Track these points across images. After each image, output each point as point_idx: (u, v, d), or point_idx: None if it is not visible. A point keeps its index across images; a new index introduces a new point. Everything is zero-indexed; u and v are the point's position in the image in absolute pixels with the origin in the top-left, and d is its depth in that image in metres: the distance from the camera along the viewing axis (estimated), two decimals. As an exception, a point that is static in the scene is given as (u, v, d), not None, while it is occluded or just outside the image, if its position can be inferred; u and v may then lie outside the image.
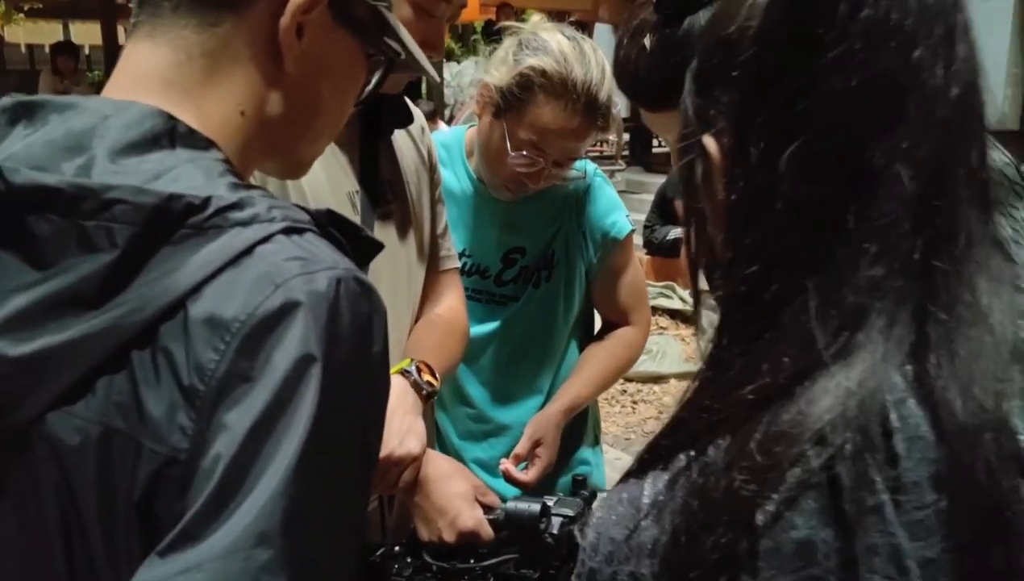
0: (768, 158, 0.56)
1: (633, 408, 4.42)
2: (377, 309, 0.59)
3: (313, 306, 0.54)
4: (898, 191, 0.53)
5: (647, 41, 0.87)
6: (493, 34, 1.66)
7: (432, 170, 1.37)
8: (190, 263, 0.55)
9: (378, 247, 0.68)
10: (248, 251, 0.56)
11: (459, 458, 1.57)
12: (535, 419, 1.44)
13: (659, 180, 7.28)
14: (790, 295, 0.55)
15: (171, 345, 0.54)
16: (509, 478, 1.38)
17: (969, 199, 0.55)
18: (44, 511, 0.56)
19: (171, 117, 0.61)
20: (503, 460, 1.40)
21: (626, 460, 1.75)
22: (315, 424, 0.53)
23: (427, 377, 1.15)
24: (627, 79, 0.97)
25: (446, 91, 8.05)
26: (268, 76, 0.66)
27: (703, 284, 0.71)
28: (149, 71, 0.64)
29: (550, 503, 1.09)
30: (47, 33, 14.84)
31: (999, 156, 1.02)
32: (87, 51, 14.22)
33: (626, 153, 9.39)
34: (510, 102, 1.38)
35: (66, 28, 15.63)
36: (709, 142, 0.61)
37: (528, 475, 1.38)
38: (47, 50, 11.10)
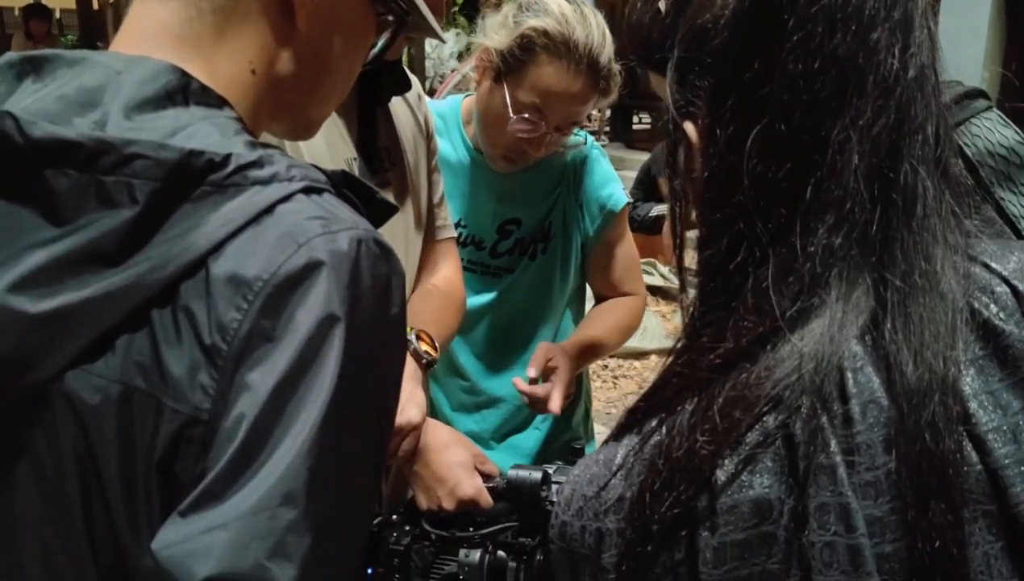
0: (736, 138, 0.59)
1: (615, 383, 4.45)
2: (395, 270, 0.59)
3: (336, 266, 0.54)
4: (854, 164, 0.56)
5: (661, 4, 0.87)
6: (474, 7, 1.65)
7: (429, 138, 1.36)
8: (211, 220, 0.54)
9: (391, 210, 0.67)
10: (269, 209, 0.55)
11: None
12: (544, 345, 1.44)
13: (640, 157, 7.28)
14: (753, 265, 0.58)
15: (192, 304, 0.53)
16: (533, 401, 1.36)
17: (927, 173, 0.58)
18: (63, 471, 0.55)
19: (185, 73, 0.60)
20: (517, 379, 1.38)
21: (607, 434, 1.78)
22: (338, 384, 0.53)
23: (426, 346, 1.15)
24: (640, 43, 0.97)
25: (426, 63, 7.98)
26: (279, 34, 0.65)
27: (687, 262, 0.74)
28: (159, 27, 0.63)
29: (550, 471, 1.09)
30: (17, -4, 14.48)
31: (1012, 134, 1.03)
32: (58, 15, 13.90)
33: (608, 129, 9.38)
34: (511, 64, 1.37)
35: (37, -9, 15.25)
36: (688, 126, 0.65)
37: (552, 403, 1.35)
38: (17, 13, 10.85)
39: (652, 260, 5.85)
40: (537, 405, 1.36)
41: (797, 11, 0.56)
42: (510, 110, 1.37)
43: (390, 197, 1.24)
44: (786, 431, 0.54)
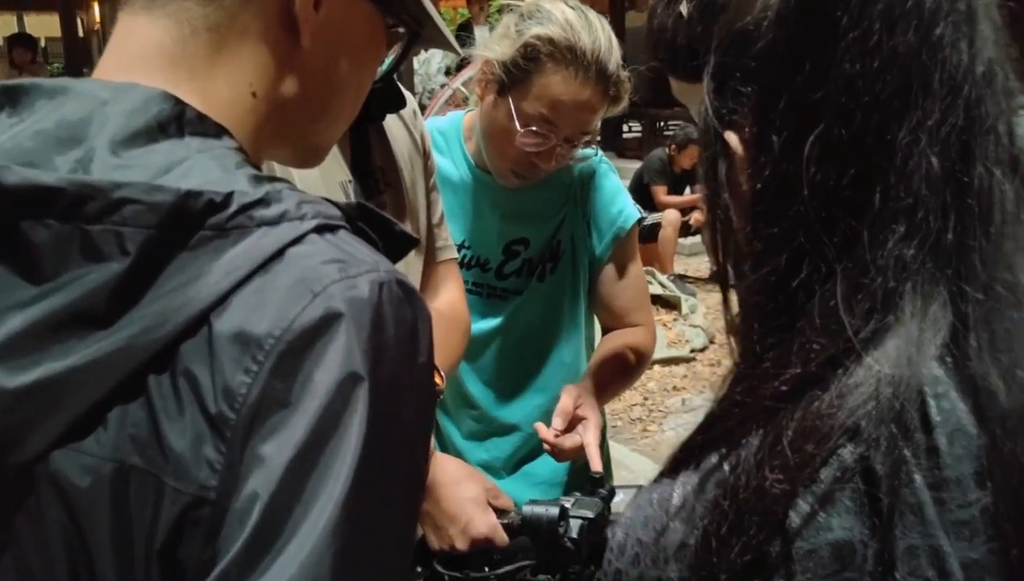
0: (791, 146, 0.55)
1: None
2: (421, 314, 0.53)
3: (356, 316, 0.48)
4: (924, 169, 0.52)
5: (683, 8, 0.83)
6: (466, 29, 1.59)
7: (426, 157, 1.30)
8: (213, 270, 0.48)
9: (412, 242, 0.62)
10: (279, 254, 0.49)
11: (464, 461, 1.50)
12: (569, 389, 1.34)
13: (631, 165, 7.25)
14: (819, 282, 0.54)
15: (194, 367, 0.47)
16: (555, 451, 1.26)
17: (1003, 175, 0.54)
18: (50, 562, 0.49)
19: (178, 101, 0.54)
20: (540, 425, 1.29)
21: (613, 448, 1.69)
22: (363, 454, 0.47)
23: None
24: (664, 49, 0.92)
25: (414, 80, 7.95)
26: (281, 52, 0.60)
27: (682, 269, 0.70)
28: (148, 49, 0.57)
29: (568, 504, 1.03)
30: (0, 26, 14.44)
31: None
32: (43, 43, 13.86)
33: (598, 138, 9.34)
34: (515, 76, 1.31)
35: (20, 20, 15.22)
36: (731, 137, 0.60)
37: (588, 437, 1.26)
38: (1, 42, 10.80)
39: (650, 269, 5.81)
40: (562, 455, 1.28)
41: (850, 9, 0.53)
42: (517, 124, 1.31)
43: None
44: (865, 465, 0.49)
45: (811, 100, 0.54)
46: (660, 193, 6.52)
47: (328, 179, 1.10)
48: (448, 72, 7.68)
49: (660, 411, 4.34)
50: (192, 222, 0.49)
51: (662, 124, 9.97)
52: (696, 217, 6.55)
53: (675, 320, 5.31)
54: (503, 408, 1.50)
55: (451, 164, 1.47)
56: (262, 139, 0.61)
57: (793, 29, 0.55)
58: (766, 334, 0.57)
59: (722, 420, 0.56)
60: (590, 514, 1.03)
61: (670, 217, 6.36)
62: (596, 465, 1.21)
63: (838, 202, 0.54)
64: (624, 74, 1.33)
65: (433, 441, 1.06)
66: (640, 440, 4.03)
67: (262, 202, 0.50)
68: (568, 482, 1.47)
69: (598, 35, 1.29)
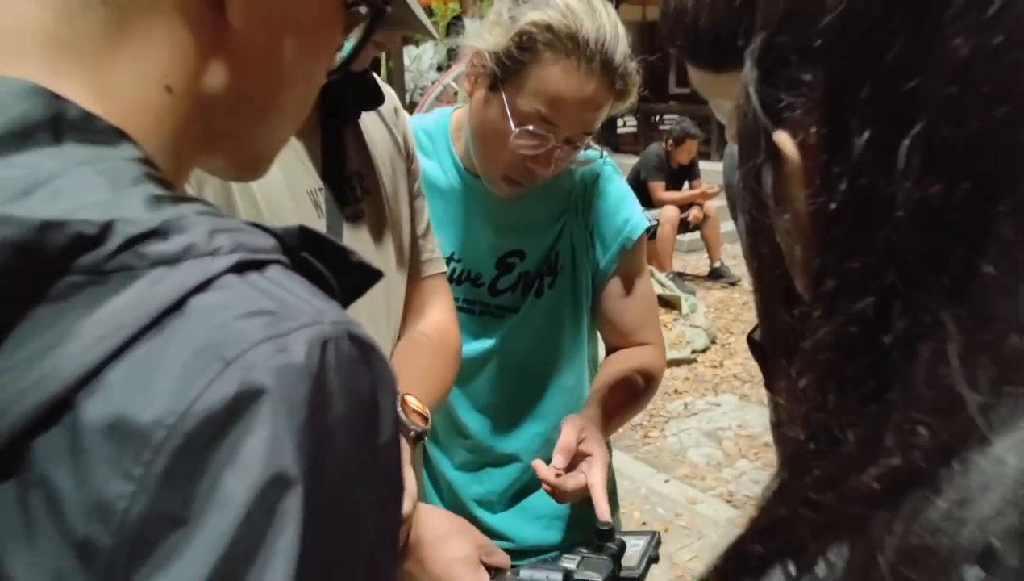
0: (878, 151, 0.41)
1: (616, 400, 4.26)
2: (382, 379, 0.40)
3: (286, 392, 0.34)
4: None
5: None
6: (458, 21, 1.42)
7: (409, 159, 1.16)
8: (82, 332, 0.34)
9: (375, 275, 0.48)
10: (178, 306, 0.36)
11: (455, 495, 1.35)
12: (570, 417, 1.18)
13: (626, 161, 7.11)
14: (922, 335, 0.40)
15: (52, 472, 0.33)
16: (556, 491, 1.09)
17: None
18: None
19: (55, 97, 0.40)
20: (539, 463, 1.12)
21: (613, 456, 1.54)
22: None
23: (414, 414, 0.95)
24: (684, 33, 0.78)
25: (405, 76, 7.79)
26: (204, 34, 0.45)
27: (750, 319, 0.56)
28: (22, 27, 0.42)
29: (571, 565, 0.89)
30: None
31: None
32: None
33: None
34: (509, 68, 1.15)
35: None
36: (783, 140, 0.47)
37: (593, 477, 1.09)
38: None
39: (648, 267, 5.68)
40: (564, 497, 1.11)
41: None
42: (511, 122, 1.16)
43: (365, 232, 1.04)
44: None
45: (905, 90, 0.41)
46: (658, 189, 6.39)
47: (294, 187, 0.96)
48: (440, 68, 7.53)
49: (661, 416, 4.21)
50: (52, 264, 0.35)
51: (657, 118, 9.84)
52: (694, 213, 6.43)
53: (675, 320, 5.18)
54: (499, 438, 1.35)
55: (438, 168, 1.32)
56: (183, 148, 0.47)
57: None
58: (845, 407, 0.43)
59: (787, 526, 0.43)
60: (598, 577, 0.90)
61: (668, 214, 6.23)
62: (603, 513, 1.05)
63: (946, 227, 0.40)
64: (632, 65, 1.17)
65: (413, 483, 0.91)
66: (641, 447, 3.89)
67: (157, 233, 0.37)
68: (571, 516, 1.33)
69: (602, 21, 1.13)
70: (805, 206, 0.46)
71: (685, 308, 5.21)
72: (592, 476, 1.09)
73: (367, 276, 0.47)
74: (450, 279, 1.29)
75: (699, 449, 3.89)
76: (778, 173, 0.49)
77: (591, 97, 1.15)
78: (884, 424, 0.40)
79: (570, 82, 1.13)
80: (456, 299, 1.29)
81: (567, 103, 1.14)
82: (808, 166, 0.46)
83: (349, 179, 1.04)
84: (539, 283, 1.33)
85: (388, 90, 1.14)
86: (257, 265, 0.38)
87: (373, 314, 1.04)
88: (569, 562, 0.92)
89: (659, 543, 1.06)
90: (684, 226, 6.43)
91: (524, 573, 0.88)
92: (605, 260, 1.33)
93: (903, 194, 0.40)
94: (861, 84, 0.42)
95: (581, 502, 1.32)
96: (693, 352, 4.87)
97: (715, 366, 4.85)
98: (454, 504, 1.36)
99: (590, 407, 1.23)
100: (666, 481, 3.59)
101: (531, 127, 1.15)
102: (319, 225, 0.97)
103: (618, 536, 1.03)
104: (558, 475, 1.08)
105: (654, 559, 1.03)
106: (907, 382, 0.40)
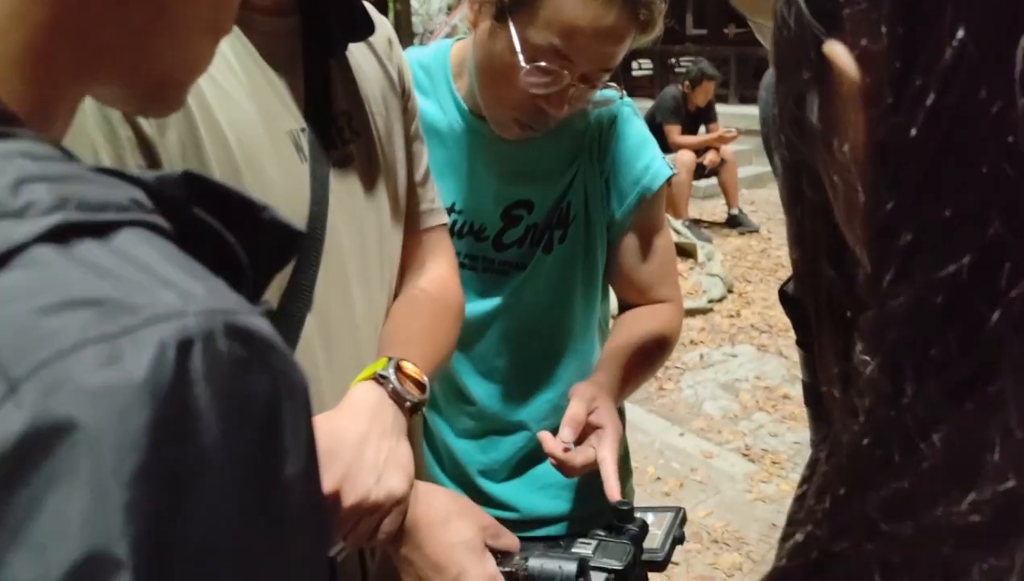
0: (980, 53, 0.31)
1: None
2: (286, 386, 0.28)
3: (110, 426, 0.23)
4: None
5: None
6: None
7: (405, 97, 1.04)
8: None
9: (294, 236, 0.36)
10: None
11: (456, 464, 1.25)
12: (580, 385, 1.08)
13: (642, 104, 6.91)
14: None
15: None
16: (566, 467, 1.00)
17: None
18: None
19: None
20: (545, 435, 1.01)
21: (627, 410, 1.44)
22: None
23: (410, 383, 0.85)
24: None
25: (413, 20, 7.56)
26: None
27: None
28: None
29: (587, 551, 0.80)
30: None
31: None
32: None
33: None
34: None
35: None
36: (837, 51, 0.36)
37: (604, 452, 1.00)
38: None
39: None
40: (572, 472, 1.01)
41: None
42: (521, 58, 1.02)
43: (355, 179, 0.93)
44: None
45: None
46: (673, 133, 6.22)
47: (273, 127, 0.84)
48: (451, 10, 7.30)
49: (677, 368, 4.11)
50: None
51: (673, 61, 9.58)
52: (711, 158, 6.26)
53: (691, 269, 5.06)
54: (504, 404, 1.24)
55: (437, 108, 1.19)
56: (49, 69, 0.35)
57: None
58: (928, 403, 0.33)
59: (846, 563, 0.33)
60: (617, 564, 0.81)
61: (684, 158, 6.07)
62: (613, 491, 0.95)
63: None
64: None
65: (410, 459, 0.81)
66: (656, 400, 3.81)
67: None
68: (581, 486, 1.22)
69: None
70: (867, 136, 0.35)
71: (701, 256, 5.09)
72: (602, 451, 0.99)
73: (287, 236, 0.35)
74: (451, 232, 1.17)
75: (715, 401, 3.80)
76: (828, 95, 0.38)
77: (612, 28, 1.01)
78: (987, 429, 0.30)
79: (588, 11, 0.99)
80: (457, 254, 1.17)
81: (584, 35, 1.01)
82: (872, 82, 0.35)
83: (336, 119, 0.93)
84: (548, 237, 1.20)
85: (381, 19, 1.02)
86: (95, 229, 0.27)
87: (365, 274, 0.93)
88: (584, 548, 0.83)
89: (684, 520, 0.97)
90: (700, 171, 6.27)
91: (534, 562, 0.79)
92: (621, 211, 1.20)
93: (1020, 111, 0.29)
94: None
95: (592, 472, 1.23)
96: (709, 301, 4.76)
97: (732, 315, 4.75)
98: (456, 474, 1.27)
99: (601, 372, 1.12)
100: (681, 435, 3.52)
101: (543, 63, 1.02)
102: (302, 170, 0.85)
103: (638, 514, 0.93)
104: (566, 449, 0.99)
105: (679, 539, 0.94)
106: (1017, 369, 0.30)
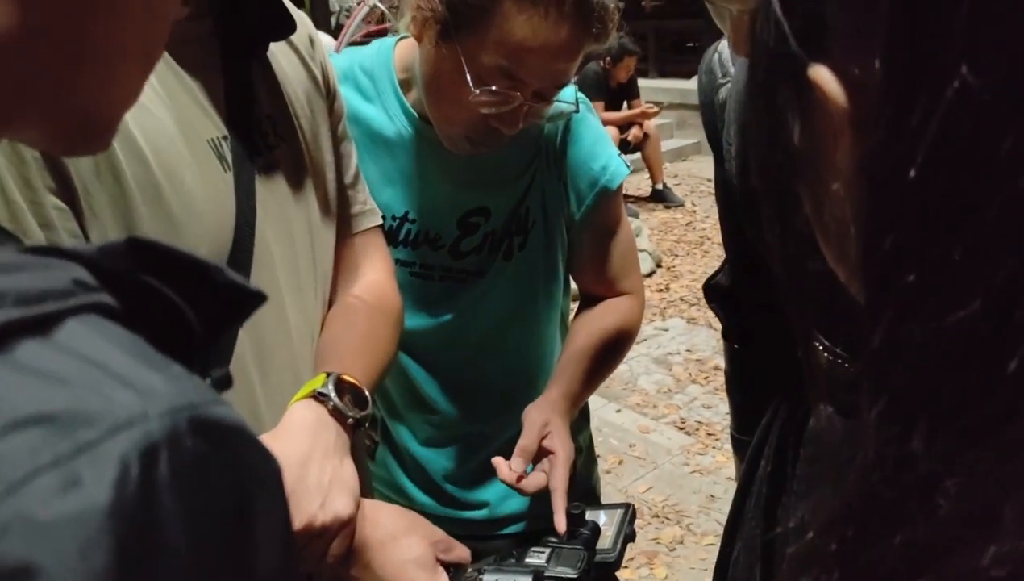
0: (986, 84, 0.29)
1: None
2: (256, 476, 0.26)
3: (73, 564, 0.21)
4: None
5: None
6: None
7: (331, 97, 0.99)
8: None
9: (255, 299, 0.34)
10: None
11: (422, 470, 1.23)
12: (534, 406, 1.07)
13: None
14: None
15: None
16: (525, 493, 0.99)
17: None
18: None
19: None
20: (499, 461, 1.00)
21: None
22: None
23: (351, 398, 0.82)
24: None
25: (330, -3, 7.36)
26: None
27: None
28: None
29: (541, 560, 0.79)
30: None
31: None
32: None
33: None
34: (464, 16, 0.95)
35: None
36: (823, 77, 0.34)
37: (555, 482, 0.98)
38: None
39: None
40: (527, 493, 1.00)
41: None
42: (469, 80, 0.98)
43: (283, 184, 0.89)
44: None
45: None
46: (597, 109, 6.22)
47: (192, 137, 0.80)
48: (366, -12, 7.13)
49: (610, 344, 4.15)
50: None
51: (593, 36, 9.59)
52: (635, 133, 6.31)
53: (637, 235, 5.10)
54: (467, 413, 1.21)
55: (383, 114, 1.13)
56: None
57: None
58: (939, 447, 0.31)
59: None
60: (571, 572, 0.80)
61: (609, 135, 6.10)
62: (560, 524, 0.93)
63: None
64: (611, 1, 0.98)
65: (354, 478, 0.79)
66: (592, 377, 3.84)
67: None
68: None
69: None
70: (861, 171, 0.33)
71: (629, 232, 5.14)
72: (553, 479, 0.98)
73: (247, 301, 0.33)
74: (405, 242, 1.13)
75: (649, 376, 3.85)
76: (812, 121, 0.36)
77: (563, 45, 0.97)
78: (1006, 477, 0.28)
79: (538, 32, 0.94)
80: (413, 264, 1.14)
81: (536, 56, 0.96)
82: (864, 113, 0.33)
83: (260, 124, 0.88)
84: (508, 243, 1.16)
85: (301, 16, 0.97)
86: (37, 325, 0.24)
87: (297, 282, 0.90)
88: (538, 556, 0.82)
89: (634, 516, 0.97)
90: (624, 147, 6.31)
91: (489, 578, 0.78)
92: (581, 212, 1.17)
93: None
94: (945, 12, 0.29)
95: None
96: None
97: (661, 290, 4.81)
98: (421, 479, 1.24)
99: (556, 386, 1.10)
100: (618, 411, 3.56)
101: (494, 86, 0.98)
102: (226, 181, 0.81)
103: (589, 515, 0.93)
104: (520, 477, 0.97)
105: (630, 536, 0.94)
106: None
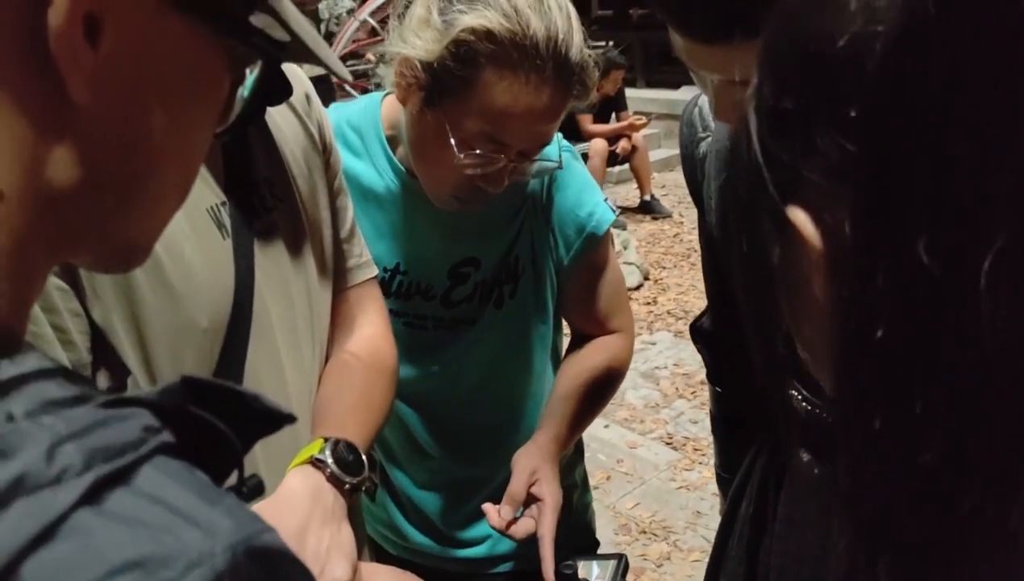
0: (946, 262, 0.31)
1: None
2: (295, 580, 0.33)
3: None
4: None
5: None
6: None
7: (327, 152, 1.01)
8: None
9: (282, 420, 0.38)
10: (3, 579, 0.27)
11: (420, 513, 1.25)
12: (523, 452, 1.09)
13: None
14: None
15: None
16: (515, 539, 1.02)
17: None
18: None
19: None
20: (489, 508, 1.03)
21: None
22: None
23: (349, 463, 0.84)
24: (676, 3, 0.71)
25: (320, 5, 7.37)
26: (42, 116, 0.34)
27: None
28: None
29: None
30: None
31: None
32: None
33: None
34: (446, 84, 0.98)
35: None
36: (799, 218, 0.37)
37: (543, 529, 1.01)
38: None
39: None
40: (516, 538, 1.03)
41: None
42: (454, 145, 1.00)
43: (281, 248, 0.91)
44: None
45: (987, 180, 0.31)
46: (585, 121, 6.26)
47: (190, 207, 0.81)
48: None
49: (598, 358, 4.18)
50: None
51: (581, 45, 9.61)
52: (623, 145, 6.34)
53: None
54: (464, 458, 1.24)
55: (372, 171, 1.15)
56: (28, 258, 0.36)
57: (941, 52, 0.31)
58: (901, 574, 0.34)
59: None
60: None
61: (597, 147, 6.13)
62: (548, 574, 0.96)
63: None
64: (589, 58, 1.01)
65: (351, 542, 0.81)
66: (580, 392, 3.86)
67: None
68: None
69: (552, 16, 0.96)
70: (832, 317, 0.36)
71: (618, 245, 5.15)
72: (541, 528, 1.00)
73: (274, 420, 0.37)
74: (397, 293, 1.16)
75: (636, 391, 3.88)
76: (789, 252, 0.39)
77: (544, 110, 0.99)
78: None
79: (520, 98, 0.97)
80: (406, 314, 1.16)
81: (518, 120, 0.99)
82: (836, 258, 0.36)
83: (258, 187, 0.90)
84: (499, 292, 1.19)
85: (297, 73, 0.99)
86: (120, 477, 0.29)
87: (295, 341, 0.92)
88: None
89: (627, 569, 0.99)
90: (613, 158, 6.34)
91: None
92: (569, 257, 1.20)
93: (986, 318, 0.30)
94: (916, 171, 0.32)
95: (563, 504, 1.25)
96: (627, 290, 4.84)
97: (649, 303, 4.84)
98: (419, 521, 1.27)
99: (545, 430, 1.13)
100: (606, 426, 3.58)
101: (477, 150, 1.00)
102: (224, 248, 0.83)
103: (582, 563, 0.95)
104: (509, 524, 1.00)
105: None
106: (992, 555, 0.32)
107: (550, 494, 1.03)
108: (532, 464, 1.06)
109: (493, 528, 1.01)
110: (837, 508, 0.37)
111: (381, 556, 1.02)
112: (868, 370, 0.34)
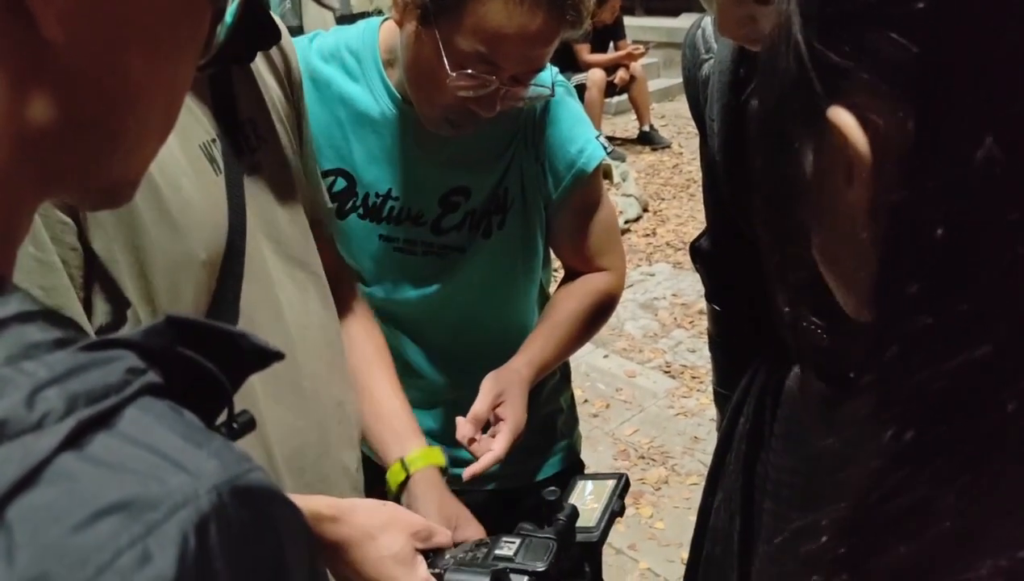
0: (1010, 164, 0.31)
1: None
2: (288, 533, 0.32)
3: None
4: None
5: None
6: None
7: (296, 97, 1.03)
8: None
9: (270, 357, 0.39)
10: None
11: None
12: (493, 374, 1.13)
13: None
14: None
15: None
16: (473, 453, 1.07)
17: None
18: None
19: None
20: (460, 422, 1.08)
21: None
22: None
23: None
24: None
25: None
26: (16, 57, 0.35)
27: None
28: None
29: (509, 552, 0.82)
30: None
31: None
32: None
33: None
34: (442, 2, 1.00)
35: None
36: (843, 120, 0.35)
37: (495, 446, 1.05)
38: None
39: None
40: (476, 455, 1.08)
41: None
42: (447, 65, 1.02)
43: (265, 187, 0.94)
44: None
45: None
46: (583, 52, 6.18)
47: (187, 144, 0.84)
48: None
49: (597, 290, 4.22)
50: None
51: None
52: (621, 75, 6.27)
53: (607, 191, 5.13)
54: (451, 379, 1.29)
55: (368, 95, 1.17)
56: (12, 197, 0.37)
57: None
58: (935, 473, 0.34)
59: None
60: (540, 566, 0.81)
61: (595, 77, 6.06)
62: (466, 474, 1.03)
63: None
64: None
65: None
66: (579, 324, 3.92)
67: None
68: (535, 432, 1.23)
69: None
70: (879, 219, 0.35)
71: (616, 177, 5.15)
72: (497, 444, 1.05)
73: (262, 357, 0.38)
74: (388, 218, 1.19)
75: (635, 321, 3.93)
76: (824, 161, 0.37)
77: (538, 32, 1.01)
78: (1000, 498, 0.31)
79: (513, 18, 0.98)
80: (396, 239, 1.20)
81: (511, 42, 1.01)
82: (885, 164, 0.34)
83: (242, 127, 0.93)
84: (487, 222, 1.22)
85: (279, 22, 1.01)
86: (103, 419, 0.29)
87: (289, 276, 0.95)
88: (508, 548, 0.84)
89: (627, 487, 0.97)
90: (611, 89, 6.28)
91: (450, 577, 0.82)
92: (558, 193, 1.22)
93: None
94: (983, 71, 0.31)
95: (546, 426, 1.32)
96: (626, 222, 4.85)
97: (648, 234, 4.86)
98: None
99: (522, 355, 1.17)
100: (605, 356, 3.64)
101: (470, 70, 1.02)
102: (218, 183, 0.86)
103: (580, 481, 0.97)
104: (471, 440, 1.05)
105: (618, 511, 0.93)
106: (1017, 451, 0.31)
107: (512, 416, 1.07)
108: (499, 386, 1.10)
109: (459, 441, 1.06)
110: (861, 422, 0.36)
111: (370, 469, 1.07)
112: (920, 271, 0.34)
